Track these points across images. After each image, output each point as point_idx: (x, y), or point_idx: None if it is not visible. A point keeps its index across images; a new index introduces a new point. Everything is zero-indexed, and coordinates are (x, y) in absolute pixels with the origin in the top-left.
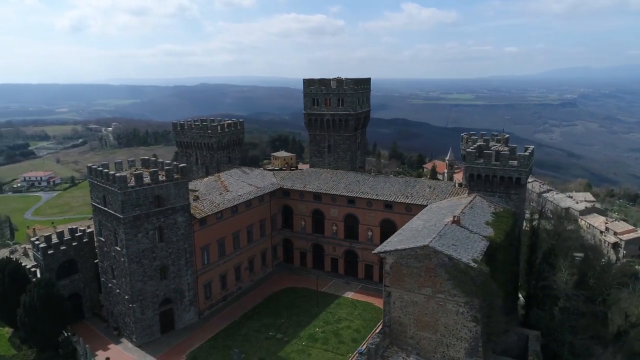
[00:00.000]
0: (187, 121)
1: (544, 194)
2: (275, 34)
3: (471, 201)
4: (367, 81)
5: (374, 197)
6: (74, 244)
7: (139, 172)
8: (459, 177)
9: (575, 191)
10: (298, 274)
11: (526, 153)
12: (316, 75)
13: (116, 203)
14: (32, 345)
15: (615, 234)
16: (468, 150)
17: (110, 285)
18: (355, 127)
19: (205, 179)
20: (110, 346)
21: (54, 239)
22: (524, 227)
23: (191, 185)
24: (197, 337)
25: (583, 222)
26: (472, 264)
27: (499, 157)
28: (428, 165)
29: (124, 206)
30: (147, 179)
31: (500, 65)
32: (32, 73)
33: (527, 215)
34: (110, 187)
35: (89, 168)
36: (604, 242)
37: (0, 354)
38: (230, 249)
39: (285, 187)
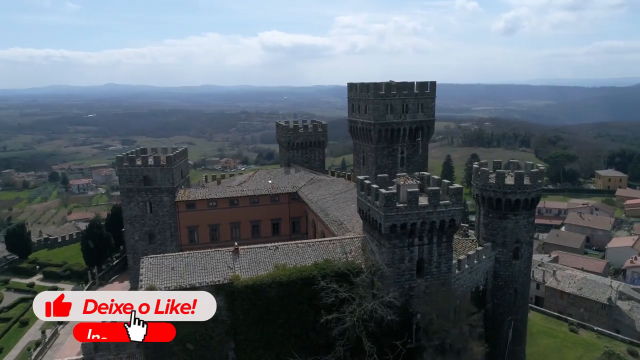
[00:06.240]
0: (287, 122)
1: None
2: None
3: (340, 240)
4: (422, 86)
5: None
6: None
7: (132, 155)
8: None
9: None
10: None
11: (393, 191)
12: None
13: None
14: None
15: None
16: (358, 177)
17: None
18: (387, 139)
19: (250, 173)
20: (125, 281)
21: None
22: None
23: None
24: None
25: None
26: None
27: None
28: None
29: (120, 179)
30: (139, 162)
31: None
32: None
33: None
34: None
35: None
36: None
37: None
38: (227, 236)
39: (298, 191)
